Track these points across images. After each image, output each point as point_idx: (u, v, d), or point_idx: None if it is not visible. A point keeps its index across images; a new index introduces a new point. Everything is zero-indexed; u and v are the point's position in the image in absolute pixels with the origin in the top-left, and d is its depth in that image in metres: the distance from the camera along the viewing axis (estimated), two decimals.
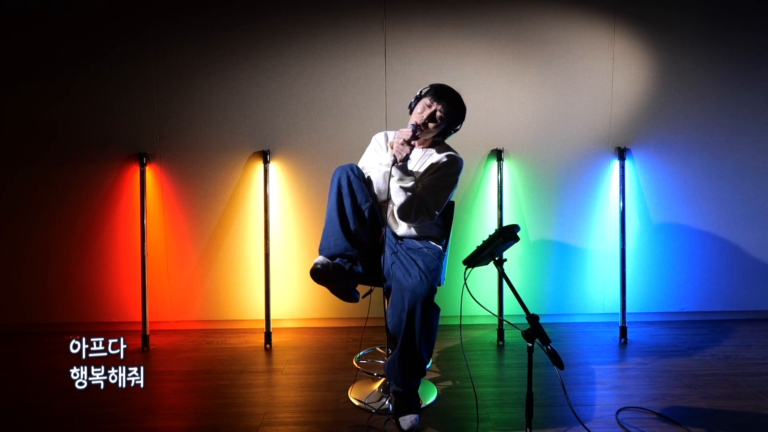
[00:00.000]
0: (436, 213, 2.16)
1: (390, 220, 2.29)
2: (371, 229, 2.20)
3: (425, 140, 2.28)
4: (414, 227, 2.24)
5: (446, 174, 2.19)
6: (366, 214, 2.15)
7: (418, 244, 2.21)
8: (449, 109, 2.16)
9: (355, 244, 2.14)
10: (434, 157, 2.24)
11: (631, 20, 3.03)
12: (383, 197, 2.22)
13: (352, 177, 2.14)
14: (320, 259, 2.09)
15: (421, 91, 2.23)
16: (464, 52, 3.02)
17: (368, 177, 2.25)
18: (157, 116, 3.01)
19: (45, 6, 2.92)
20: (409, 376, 2.06)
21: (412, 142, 2.09)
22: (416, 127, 2.12)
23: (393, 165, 2.09)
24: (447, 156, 2.22)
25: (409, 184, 2.11)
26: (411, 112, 2.25)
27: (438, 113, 2.16)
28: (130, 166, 3.03)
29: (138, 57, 2.97)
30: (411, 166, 2.27)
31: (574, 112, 3.07)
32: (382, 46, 3.00)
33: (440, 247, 2.24)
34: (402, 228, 2.26)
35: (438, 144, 2.29)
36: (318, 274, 2.05)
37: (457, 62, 3.02)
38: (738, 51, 3.07)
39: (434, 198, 2.16)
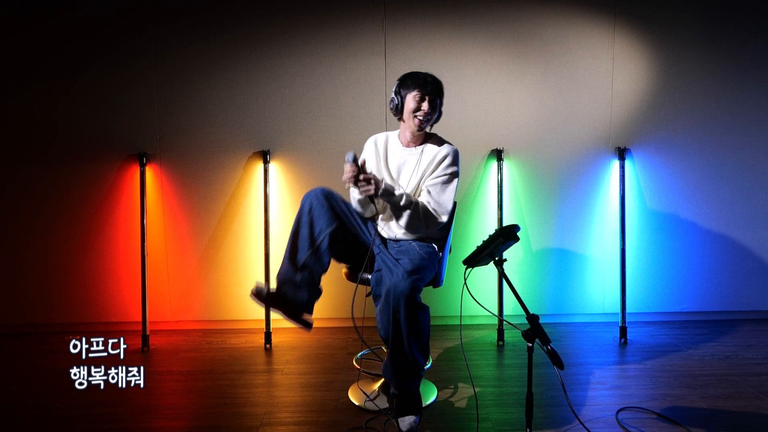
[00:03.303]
0: (447, 215, 2.16)
1: (382, 226, 2.27)
2: (347, 247, 2.20)
3: (418, 137, 2.24)
4: (401, 236, 2.23)
5: (445, 171, 2.17)
6: (324, 243, 2.10)
7: (412, 244, 2.18)
8: (438, 96, 2.17)
9: (302, 270, 2.12)
10: (428, 155, 2.21)
11: (631, 20, 3.03)
12: (366, 215, 2.27)
13: (315, 204, 2.11)
14: (257, 284, 2.15)
15: (399, 87, 2.19)
16: (464, 52, 3.02)
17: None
18: (157, 116, 3.01)
19: (46, 7, 2.92)
20: (403, 378, 2.04)
21: (361, 176, 2.00)
22: (355, 157, 2.01)
23: (372, 203, 2.11)
24: (441, 151, 2.19)
25: (403, 201, 2.09)
26: (396, 110, 2.21)
27: (432, 108, 2.15)
28: (130, 166, 3.03)
29: (138, 57, 2.97)
30: (408, 170, 2.23)
31: (574, 112, 3.07)
32: (382, 46, 3.00)
33: (435, 246, 2.22)
34: (399, 232, 2.24)
35: (429, 138, 2.26)
36: (253, 297, 2.14)
37: (457, 62, 3.02)
38: (738, 51, 3.07)
39: (439, 202, 2.16)
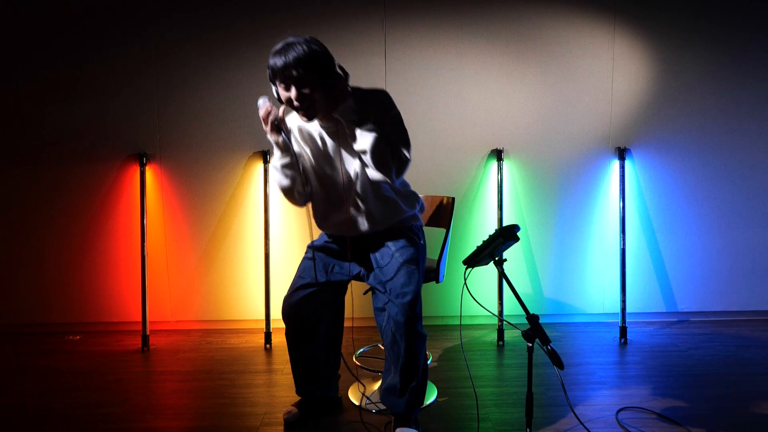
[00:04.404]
0: (409, 150, 1.87)
1: (344, 226, 2.02)
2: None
3: (331, 111, 1.87)
4: (380, 215, 1.99)
5: (390, 111, 1.87)
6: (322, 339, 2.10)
7: (395, 257, 1.97)
8: (304, 73, 1.73)
9: (313, 379, 2.14)
10: (361, 111, 1.85)
11: (631, 20, 3.03)
12: (291, 193, 1.99)
13: (291, 315, 2.04)
14: (287, 411, 2.13)
15: (269, 76, 1.82)
16: (464, 52, 3.02)
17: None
18: (157, 116, 3.01)
19: (45, 7, 2.92)
20: (407, 405, 1.98)
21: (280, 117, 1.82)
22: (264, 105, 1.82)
23: (290, 149, 1.87)
24: (372, 99, 1.85)
25: (368, 125, 1.80)
26: (280, 102, 1.87)
27: (304, 90, 1.76)
28: (130, 166, 3.03)
29: (138, 57, 2.97)
30: (340, 147, 1.93)
31: (574, 112, 3.08)
32: (382, 46, 3.00)
33: (411, 246, 2.00)
34: (367, 222, 2.00)
35: (344, 98, 1.85)
36: (289, 420, 2.10)
37: (457, 62, 3.02)
38: (738, 51, 3.07)
39: (401, 136, 1.86)
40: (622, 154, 3.06)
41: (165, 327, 3.15)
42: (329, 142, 1.95)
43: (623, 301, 3.01)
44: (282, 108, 1.87)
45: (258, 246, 3.06)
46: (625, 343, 2.93)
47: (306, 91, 1.77)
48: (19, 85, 2.97)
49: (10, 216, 3.04)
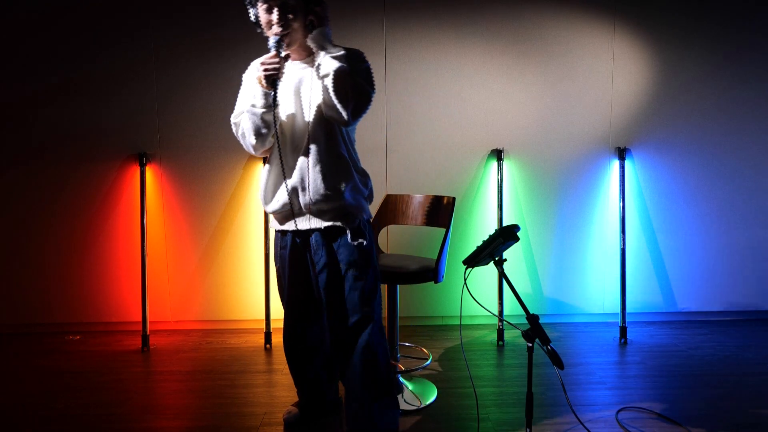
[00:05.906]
0: (373, 90, 1.78)
1: (297, 179, 1.82)
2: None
3: (300, 49, 1.83)
4: (331, 170, 1.82)
5: (362, 63, 1.79)
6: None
7: (341, 261, 1.86)
8: None
9: (315, 386, 2.12)
10: (328, 66, 1.74)
11: (631, 20, 3.03)
12: (261, 141, 1.84)
13: (294, 347, 2.05)
14: (287, 411, 2.12)
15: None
16: (464, 52, 3.02)
17: (242, 132, 1.88)
18: (157, 116, 3.01)
19: (45, 6, 2.92)
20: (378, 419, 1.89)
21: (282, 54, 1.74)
22: (279, 42, 1.73)
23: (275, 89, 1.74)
24: (348, 50, 1.77)
25: (340, 53, 1.73)
26: (257, 26, 1.85)
27: (288, 15, 1.72)
28: (130, 166, 3.03)
29: (138, 56, 2.97)
30: (307, 87, 1.83)
31: (574, 112, 3.08)
32: (382, 46, 3.00)
33: (362, 239, 1.86)
34: (317, 176, 1.80)
35: (321, 24, 1.80)
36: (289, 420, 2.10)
37: (457, 62, 3.02)
38: (737, 51, 3.07)
39: (367, 79, 1.77)
40: (622, 154, 3.06)
41: (165, 327, 3.15)
42: (292, 80, 1.84)
43: (623, 301, 3.01)
44: (284, 61, 1.76)
45: (258, 246, 3.06)
46: (625, 343, 2.93)
47: (290, 15, 1.73)
48: (19, 85, 2.97)
49: (11, 216, 3.04)
